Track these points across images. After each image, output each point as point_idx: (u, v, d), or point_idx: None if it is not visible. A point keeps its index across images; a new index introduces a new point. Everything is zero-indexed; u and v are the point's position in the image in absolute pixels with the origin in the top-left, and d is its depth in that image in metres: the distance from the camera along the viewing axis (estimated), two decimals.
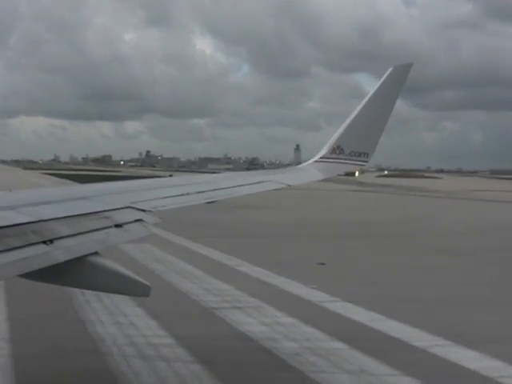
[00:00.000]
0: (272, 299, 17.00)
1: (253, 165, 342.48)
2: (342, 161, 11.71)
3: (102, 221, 6.24)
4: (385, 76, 11.61)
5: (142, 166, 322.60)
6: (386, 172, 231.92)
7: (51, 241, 5.19)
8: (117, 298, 14.73)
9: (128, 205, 6.97)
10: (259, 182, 10.21)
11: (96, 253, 5.49)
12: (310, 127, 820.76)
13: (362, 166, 12.02)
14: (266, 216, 45.05)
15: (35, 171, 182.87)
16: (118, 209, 6.76)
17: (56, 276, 5.24)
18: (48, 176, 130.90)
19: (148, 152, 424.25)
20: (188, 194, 8.45)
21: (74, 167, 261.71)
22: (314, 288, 18.70)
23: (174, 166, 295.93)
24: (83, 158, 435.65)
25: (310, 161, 12.48)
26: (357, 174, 14.00)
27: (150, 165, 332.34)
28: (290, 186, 10.51)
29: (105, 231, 6.01)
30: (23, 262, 4.74)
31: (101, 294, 14.34)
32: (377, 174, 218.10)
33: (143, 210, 6.92)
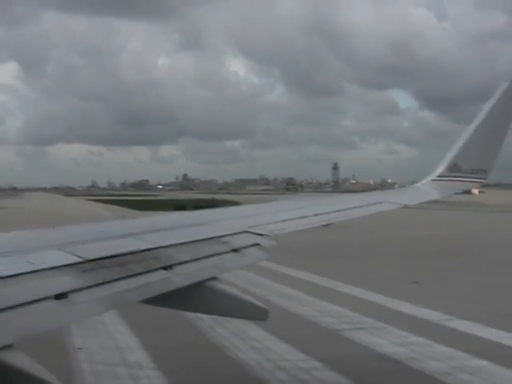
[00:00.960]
0: (389, 319, 16.91)
1: (290, 185, 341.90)
2: (460, 179, 11.52)
3: (220, 246, 6.31)
4: (500, 91, 11.44)
5: (181, 189, 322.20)
6: None
7: (171, 266, 5.31)
8: (236, 322, 14.86)
9: (245, 229, 7.04)
10: (375, 204, 10.15)
11: (214, 277, 5.56)
12: (345, 145, 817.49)
13: (480, 184, 11.98)
14: (349, 235, 43.56)
15: (78, 197, 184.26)
16: (236, 233, 6.82)
17: (176, 301, 5.30)
18: (93, 202, 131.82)
19: (185, 175, 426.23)
20: (306, 216, 8.49)
21: (115, 193, 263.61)
22: (423, 307, 18.68)
23: (212, 189, 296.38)
24: (121, 184, 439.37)
25: (426, 179, 12.24)
26: (476, 191, 13.83)
27: (187, 188, 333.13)
28: (406, 205, 10.34)
29: (222, 256, 6.08)
30: (145, 287, 4.85)
31: (218, 318, 14.27)
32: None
33: (260, 235, 6.97)
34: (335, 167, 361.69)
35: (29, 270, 4.46)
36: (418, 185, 12.45)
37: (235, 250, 6.27)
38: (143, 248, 5.56)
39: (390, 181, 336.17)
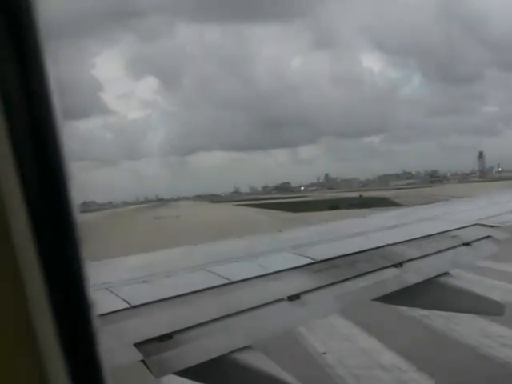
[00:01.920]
0: None
1: (434, 177, 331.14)
2: None
3: (450, 240, 6.15)
4: None
5: (330, 188, 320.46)
6: None
7: (401, 264, 5.25)
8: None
9: (475, 222, 6.84)
10: None
11: (446, 273, 5.41)
12: (488, 132, 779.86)
13: None
14: None
15: (224, 204, 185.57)
16: (466, 227, 6.64)
17: (407, 298, 5.20)
18: (242, 207, 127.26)
19: (326, 175, 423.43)
20: None
21: (260, 196, 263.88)
22: None
23: (355, 187, 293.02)
24: (263, 187, 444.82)
25: None
26: None
27: (329, 187, 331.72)
28: None
29: (453, 251, 5.92)
30: (375, 286, 4.84)
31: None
32: None
33: (491, 226, 6.73)
34: (481, 156, 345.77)
35: (261, 273, 4.63)
36: None
37: (466, 244, 6.12)
38: (372, 246, 5.59)
39: None
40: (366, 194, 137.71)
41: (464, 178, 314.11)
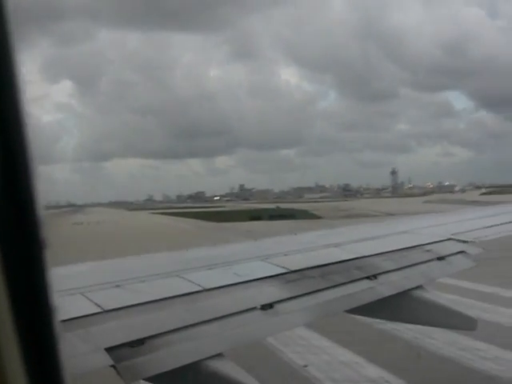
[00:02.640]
0: None
1: (347, 191, 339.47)
2: None
3: (424, 254, 6.18)
4: None
5: (244, 199, 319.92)
6: (483, 189, 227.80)
7: (375, 276, 5.25)
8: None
9: (449, 237, 6.87)
10: None
11: (420, 286, 5.43)
12: (400, 149, 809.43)
13: None
14: None
15: (140, 211, 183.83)
16: (440, 241, 6.67)
17: (380, 311, 5.23)
18: (160, 215, 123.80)
19: (241, 185, 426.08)
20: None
21: (174, 205, 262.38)
22: None
23: (269, 198, 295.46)
24: (177, 196, 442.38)
25: None
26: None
27: (244, 198, 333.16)
28: None
29: (427, 264, 5.96)
30: (349, 297, 4.84)
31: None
32: (477, 191, 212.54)
33: (465, 242, 6.78)
34: (393, 172, 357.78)
35: (235, 281, 4.60)
36: None
37: (440, 258, 6.13)
38: (347, 258, 5.54)
39: (446, 183, 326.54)
40: (282, 206, 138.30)
41: (377, 193, 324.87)
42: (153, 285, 4.46)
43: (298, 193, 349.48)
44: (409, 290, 5.32)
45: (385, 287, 5.16)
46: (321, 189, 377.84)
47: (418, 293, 5.34)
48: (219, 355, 3.76)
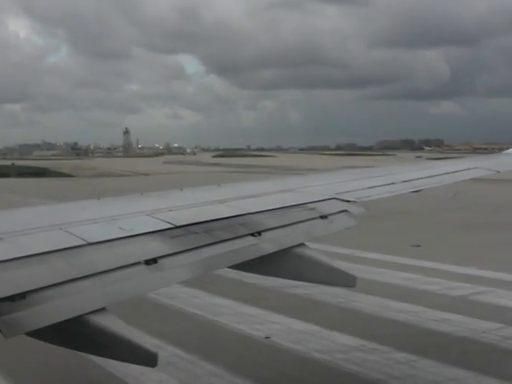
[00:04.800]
0: None
1: (76, 149, 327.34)
2: None
3: (308, 212, 6.29)
4: None
5: None
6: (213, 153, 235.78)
7: (259, 233, 5.35)
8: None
9: (332, 196, 6.99)
10: (467, 169, 9.92)
11: (302, 244, 5.54)
12: (130, 110, 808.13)
13: None
14: None
15: None
16: (323, 200, 6.78)
17: (263, 267, 5.32)
18: None
19: None
20: (394, 183, 8.34)
21: None
22: None
23: None
24: None
25: None
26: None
27: None
28: (499, 172, 10.06)
29: (310, 222, 6.07)
30: (233, 253, 4.94)
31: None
32: (208, 154, 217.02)
33: (347, 201, 6.90)
34: (126, 132, 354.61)
35: (120, 235, 4.57)
36: (510, 150, 12.23)
37: (323, 217, 6.23)
38: (232, 214, 5.59)
39: (175, 145, 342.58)
40: (17, 163, 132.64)
41: (108, 152, 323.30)
42: (35, 238, 4.36)
43: (25, 150, 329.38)
44: (291, 247, 5.41)
45: (268, 244, 5.24)
46: (48, 146, 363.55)
47: (300, 250, 5.44)
48: (102, 310, 3.75)
